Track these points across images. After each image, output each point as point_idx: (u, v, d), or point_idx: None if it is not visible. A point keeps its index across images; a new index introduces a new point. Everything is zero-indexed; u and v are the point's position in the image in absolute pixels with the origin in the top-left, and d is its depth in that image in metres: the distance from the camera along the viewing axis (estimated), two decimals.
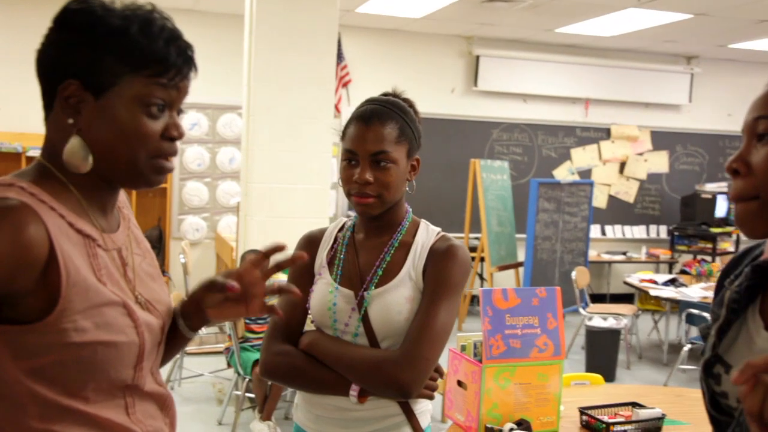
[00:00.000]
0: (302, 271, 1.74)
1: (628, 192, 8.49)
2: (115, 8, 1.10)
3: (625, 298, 7.52)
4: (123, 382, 1.11)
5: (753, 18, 6.37)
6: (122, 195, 1.25)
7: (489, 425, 2.56)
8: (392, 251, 1.66)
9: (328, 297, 1.65)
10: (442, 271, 1.61)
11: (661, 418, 2.82)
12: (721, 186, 8.33)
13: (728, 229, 8.02)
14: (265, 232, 4.73)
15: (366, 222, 1.70)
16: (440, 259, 1.62)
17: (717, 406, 1.08)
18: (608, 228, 8.40)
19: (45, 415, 1.03)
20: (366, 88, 4.53)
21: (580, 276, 6.22)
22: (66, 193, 1.09)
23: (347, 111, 5.93)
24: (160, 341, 1.22)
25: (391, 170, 1.60)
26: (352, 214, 1.80)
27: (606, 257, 8.08)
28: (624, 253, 8.18)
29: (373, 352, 1.58)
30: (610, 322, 5.65)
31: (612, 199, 8.43)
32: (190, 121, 7.00)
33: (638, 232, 8.52)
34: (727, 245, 8.11)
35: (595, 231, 8.00)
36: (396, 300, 1.60)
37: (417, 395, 1.55)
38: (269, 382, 3.99)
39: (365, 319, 1.61)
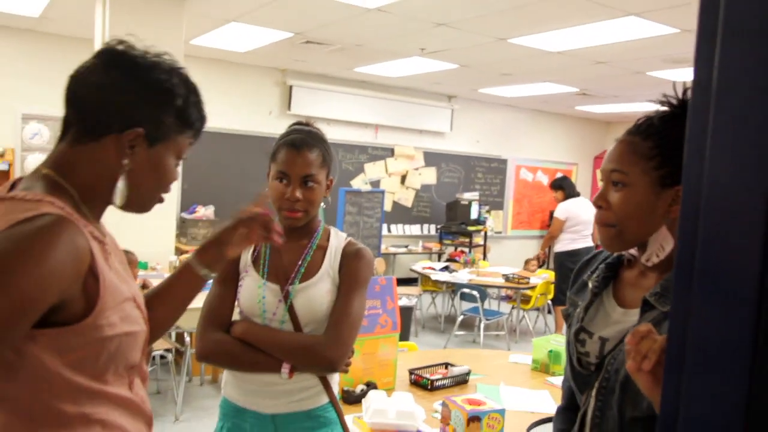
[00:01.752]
0: (228, 271, 1.74)
1: (408, 198, 8.95)
2: (170, 67, 1.10)
3: (409, 282, 7.94)
4: (132, 363, 1.11)
5: (498, 72, 7.03)
6: None
7: (345, 388, 2.68)
8: (311, 252, 1.71)
9: (257, 291, 1.67)
10: (354, 270, 1.69)
11: (468, 373, 3.09)
12: (474, 195, 9.07)
13: (479, 227, 8.74)
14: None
15: (286, 228, 1.73)
16: (352, 259, 1.71)
17: (581, 363, 1.27)
18: (393, 227, 8.80)
19: (76, 399, 1.01)
20: None
21: (379, 265, 6.49)
22: (76, 205, 1.05)
23: None
24: None
25: (315, 189, 1.66)
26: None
27: (392, 250, 8.44)
28: (406, 246, 8.61)
29: (303, 337, 1.63)
30: (404, 301, 5.97)
31: (395, 204, 8.83)
32: (31, 131, 6.35)
33: (415, 230, 9.00)
34: (479, 239, 8.84)
35: (384, 229, 8.36)
36: (318, 293, 1.66)
37: (339, 370, 1.62)
38: None
39: (291, 309, 1.65)
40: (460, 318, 6.27)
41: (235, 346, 1.62)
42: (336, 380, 1.74)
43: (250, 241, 1.39)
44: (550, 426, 2.77)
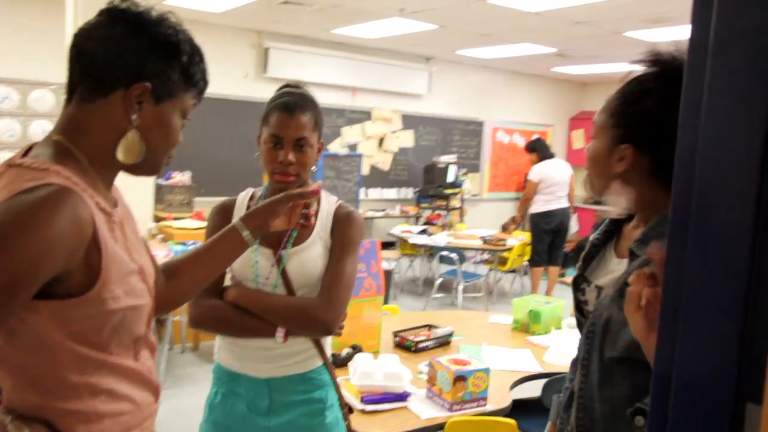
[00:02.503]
0: None
1: (385, 162, 8.93)
2: (175, 25, 1.10)
3: (387, 246, 7.98)
4: (137, 335, 1.11)
5: (477, 32, 6.97)
6: None
7: (332, 351, 2.70)
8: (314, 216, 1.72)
9: (250, 256, 1.67)
10: (346, 233, 1.70)
11: (450, 334, 3.15)
12: (451, 158, 9.08)
13: (456, 190, 8.77)
14: None
15: (278, 192, 1.72)
16: (344, 223, 1.71)
17: (581, 311, 1.33)
18: (370, 191, 8.78)
19: (82, 369, 1.01)
20: None
21: None
22: (84, 172, 1.03)
23: None
24: None
25: (308, 153, 1.65)
26: None
27: (370, 214, 8.43)
28: (383, 210, 8.63)
29: (297, 300, 1.64)
30: (383, 265, 6.00)
31: (373, 168, 8.81)
32: (0, 95, 6.18)
33: (393, 193, 9.00)
34: (456, 202, 8.88)
35: (361, 193, 8.36)
36: (311, 257, 1.66)
37: (334, 333, 1.64)
38: None
39: (284, 273, 1.66)
40: (438, 281, 6.35)
41: (228, 311, 1.62)
42: (329, 343, 1.76)
43: (291, 219, 1.47)
44: (533, 383, 2.87)
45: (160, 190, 6.53)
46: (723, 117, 0.83)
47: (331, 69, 7.98)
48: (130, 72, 1.03)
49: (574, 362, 1.52)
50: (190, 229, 5.05)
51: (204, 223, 5.40)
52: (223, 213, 1.76)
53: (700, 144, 0.86)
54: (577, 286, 1.34)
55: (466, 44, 7.81)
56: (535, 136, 7.71)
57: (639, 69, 1.20)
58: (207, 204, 7.23)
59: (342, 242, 1.69)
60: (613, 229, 1.33)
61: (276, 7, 6.24)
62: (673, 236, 0.89)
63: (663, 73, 1.13)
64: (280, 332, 1.60)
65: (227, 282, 1.73)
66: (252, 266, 1.67)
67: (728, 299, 0.84)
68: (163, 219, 6.10)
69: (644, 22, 5.83)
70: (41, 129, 6.46)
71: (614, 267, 1.27)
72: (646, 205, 1.18)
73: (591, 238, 1.36)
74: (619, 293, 1.16)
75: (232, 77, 7.46)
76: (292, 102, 1.64)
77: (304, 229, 1.70)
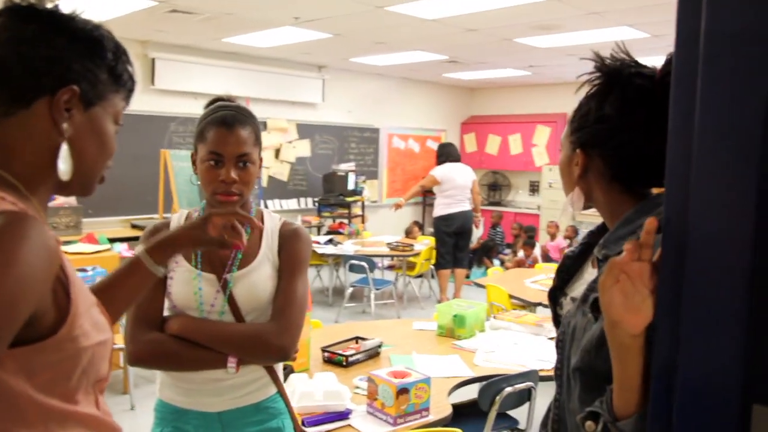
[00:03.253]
0: None
1: (283, 172, 8.77)
2: (90, 20, 0.97)
3: None
4: (101, 377, 0.97)
5: (372, 40, 7.01)
6: None
7: None
8: (247, 237, 1.61)
9: (193, 282, 1.56)
10: (294, 251, 1.62)
11: (379, 345, 3.11)
12: (350, 165, 9.07)
13: (357, 197, 8.77)
14: None
15: None
16: (291, 241, 1.64)
17: (557, 323, 1.32)
18: (269, 202, 8.60)
19: (47, 426, 0.86)
20: None
21: None
22: (25, 200, 0.89)
23: None
24: None
25: (251, 170, 1.56)
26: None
27: None
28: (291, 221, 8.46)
29: (250, 327, 1.54)
30: None
31: (271, 178, 8.63)
32: None
33: (292, 204, 8.86)
34: (357, 210, 8.88)
35: (261, 205, 8.16)
36: (260, 279, 1.57)
37: (290, 358, 1.55)
38: None
39: (230, 299, 1.55)
40: (349, 290, 6.30)
41: (173, 344, 1.49)
42: (280, 369, 1.67)
43: (218, 246, 1.31)
44: (468, 388, 2.88)
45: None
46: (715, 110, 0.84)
47: (223, 79, 7.74)
48: (53, 75, 0.89)
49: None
50: (87, 254, 4.69)
51: (99, 246, 5.05)
52: (156, 236, 1.63)
53: (695, 147, 0.87)
54: (555, 299, 1.34)
55: (359, 52, 7.82)
56: (440, 143, 7.88)
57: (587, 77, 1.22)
58: (96, 225, 6.79)
59: (291, 261, 1.61)
60: (591, 242, 1.34)
61: (162, 16, 5.96)
62: (669, 235, 0.90)
63: (602, 75, 1.14)
64: (231, 362, 1.50)
65: (166, 312, 1.60)
66: (195, 293, 1.55)
67: (732, 297, 0.85)
68: None
69: (533, 30, 6.08)
70: None
71: (588, 277, 1.28)
72: (612, 211, 1.20)
73: (566, 251, 1.36)
74: (583, 299, 1.16)
75: None
76: (231, 116, 1.55)
77: (250, 250, 1.60)
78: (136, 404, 4.16)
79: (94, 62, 0.94)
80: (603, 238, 1.19)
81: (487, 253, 8.57)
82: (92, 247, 4.89)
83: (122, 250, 5.97)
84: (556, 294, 1.34)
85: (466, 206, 7.04)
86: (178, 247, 1.26)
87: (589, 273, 1.28)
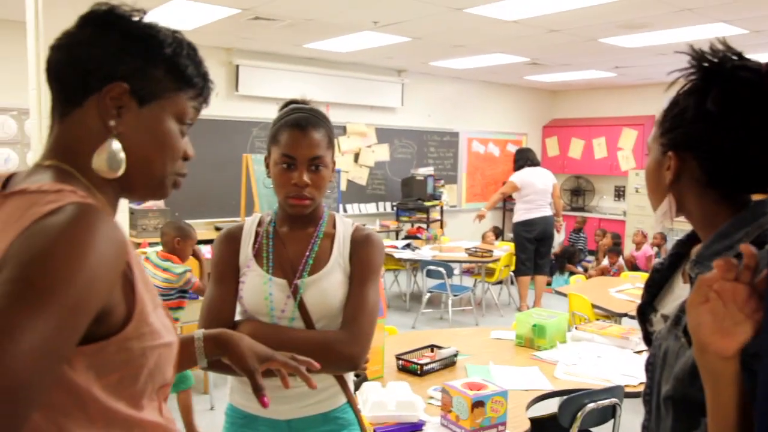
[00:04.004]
0: (226, 268, 1.59)
1: (362, 177, 8.82)
2: (150, 22, 0.95)
3: None
4: (166, 381, 0.95)
5: (450, 43, 6.93)
6: None
7: None
8: (319, 241, 1.58)
9: (263, 287, 1.54)
10: (366, 257, 1.58)
11: (455, 354, 3.03)
12: (428, 170, 9.01)
13: (435, 202, 8.71)
14: None
15: (290, 217, 1.60)
16: (363, 246, 1.59)
17: (649, 342, 1.22)
18: (348, 206, 8.66)
19: (110, 430, 0.84)
20: None
21: None
22: (94, 197, 0.87)
23: None
24: None
25: (323, 173, 1.53)
26: None
27: None
28: (363, 226, 8.49)
29: (320, 334, 1.50)
30: None
31: (350, 183, 8.69)
32: None
33: (371, 208, 8.89)
34: (436, 214, 8.82)
35: (340, 209, 8.23)
36: (331, 285, 1.54)
37: (360, 368, 1.51)
38: None
39: (301, 305, 1.52)
40: (427, 295, 6.23)
41: None
42: (351, 378, 1.63)
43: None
44: (547, 403, 2.76)
45: (132, 216, 6.31)
46: None
47: (304, 84, 7.84)
48: (100, 72, 0.89)
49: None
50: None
51: None
52: (230, 241, 1.63)
53: None
54: (644, 316, 1.23)
55: (439, 56, 7.76)
56: (517, 148, 7.70)
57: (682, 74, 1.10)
58: None
59: (362, 268, 1.57)
60: (681, 253, 1.22)
61: (246, 23, 6.11)
62: None
63: (700, 69, 1.03)
64: None
65: (237, 316, 1.59)
66: (266, 299, 1.53)
67: None
68: (139, 245, 5.87)
69: (620, 29, 5.83)
70: (4, 157, 6.22)
71: (680, 293, 1.17)
72: (706, 221, 1.07)
73: (654, 263, 1.25)
74: (675, 321, 1.05)
75: None
76: (304, 119, 1.52)
77: (321, 255, 1.57)
78: (215, 404, 4.24)
79: (147, 59, 0.91)
80: (696, 253, 1.08)
81: (569, 259, 8.30)
82: None
83: (206, 252, 6.14)
84: (645, 310, 1.23)
85: (547, 211, 6.83)
86: (230, 356, 1.24)
87: (681, 288, 1.17)
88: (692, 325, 0.83)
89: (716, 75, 1.01)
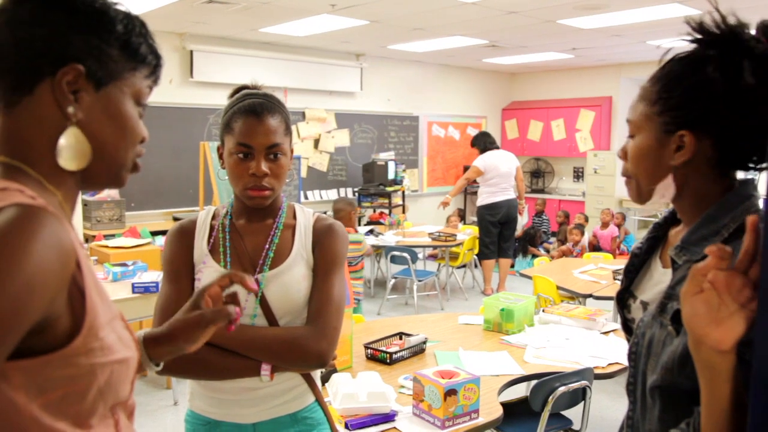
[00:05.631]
0: (179, 266, 1.50)
1: (322, 163, 8.70)
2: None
3: None
4: (121, 400, 0.86)
5: (410, 26, 6.85)
6: None
7: None
8: (279, 233, 1.50)
9: None
10: (330, 248, 1.50)
11: (424, 341, 2.99)
12: (389, 154, 8.95)
13: (397, 187, 8.64)
14: None
15: (248, 208, 1.51)
16: (325, 237, 1.52)
17: (627, 329, 1.18)
18: (309, 193, 8.54)
19: None
20: None
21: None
22: (47, 194, 0.81)
23: None
24: None
25: (282, 161, 1.45)
26: None
27: None
28: (324, 212, 8.37)
29: (285, 331, 1.42)
30: None
31: (310, 169, 8.57)
32: None
33: (332, 194, 8.77)
34: (398, 199, 8.76)
35: (301, 196, 8.11)
36: (294, 279, 1.46)
37: (328, 364, 1.44)
38: None
39: (262, 301, 1.44)
40: (391, 282, 6.19)
41: (202, 351, 1.36)
42: (318, 376, 1.56)
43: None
44: (518, 387, 2.74)
45: (86, 207, 6.09)
46: None
47: (261, 70, 7.67)
48: (51, 54, 0.80)
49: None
50: (127, 248, 4.68)
51: (140, 240, 5.04)
52: (183, 237, 1.53)
53: None
54: (623, 302, 1.20)
55: (397, 39, 7.67)
56: (476, 131, 7.69)
57: (679, 48, 1.04)
58: (139, 218, 6.83)
59: (326, 259, 1.49)
60: (658, 236, 1.18)
61: (199, 7, 5.92)
62: None
63: (714, 41, 0.97)
64: (265, 369, 1.39)
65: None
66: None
67: None
68: (93, 238, 5.68)
69: (577, 10, 5.84)
70: None
71: (660, 278, 1.13)
72: (697, 203, 1.03)
73: (633, 247, 1.22)
74: (661, 308, 1.02)
75: None
76: (259, 104, 1.43)
77: (282, 248, 1.49)
78: (179, 399, 4.13)
79: (101, 37, 0.83)
80: (681, 238, 1.04)
81: (530, 241, 8.36)
82: (133, 241, 4.88)
83: (163, 243, 5.99)
84: (623, 296, 1.19)
85: (511, 194, 6.85)
86: (179, 342, 1.09)
87: (660, 273, 1.14)
88: (686, 317, 0.79)
89: (736, 47, 0.94)
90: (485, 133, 7.27)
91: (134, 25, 0.87)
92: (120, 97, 0.86)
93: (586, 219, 8.36)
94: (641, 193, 1.09)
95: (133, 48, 0.87)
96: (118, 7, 0.87)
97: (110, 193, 6.28)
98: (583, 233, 7.63)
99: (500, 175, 6.76)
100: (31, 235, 0.69)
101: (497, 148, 7.00)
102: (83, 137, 0.82)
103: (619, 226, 7.73)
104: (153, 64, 0.90)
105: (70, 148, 0.81)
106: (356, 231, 4.44)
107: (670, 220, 1.17)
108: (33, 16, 0.80)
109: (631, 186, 1.11)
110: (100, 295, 0.81)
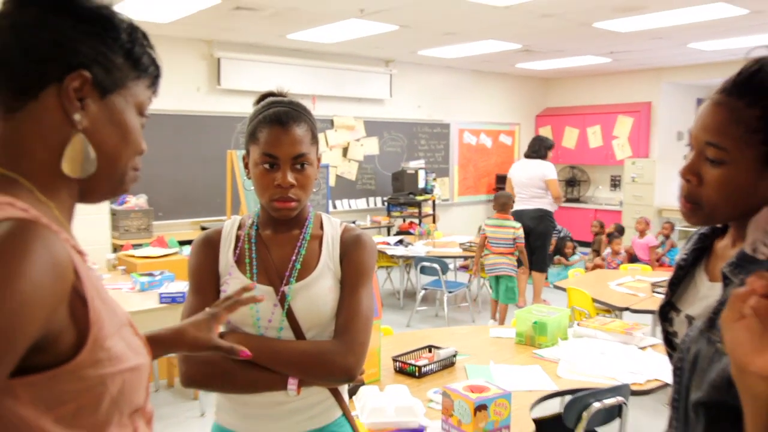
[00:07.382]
0: (204, 276, 1.52)
1: (351, 171, 8.75)
2: (102, 2, 0.87)
3: None
4: (137, 407, 0.88)
5: (440, 31, 6.86)
6: None
7: None
8: (305, 244, 1.51)
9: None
10: (357, 260, 1.51)
11: (454, 354, 2.98)
12: (419, 163, 8.96)
13: (427, 196, 8.66)
14: None
15: (274, 219, 1.52)
16: (353, 248, 1.52)
17: (669, 343, 1.17)
18: (338, 202, 8.60)
19: None
20: None
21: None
22: (40, 205, 0.81)
23: None
24: None
25: (308, 172, 1.46)
26: None
27: None
28: (353, 222, 8.44)
29: (312, 345, 1.43)
30: None
31: (339, 178, 8.62)
32: None
33: (361, 203, 8.83)
34: (428, 209, 8.76)
35: (329, 205, 8.16)
36: (320, 291, 1.47)
37: (356, 379, 1.45)
38: None
39: (289, 313, 1.46)
40: (421, 293, 6.19)
41: (228, 364, 1.39)
42: (345, 389, 1.57)
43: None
44: (550, 403, 2.72)
45: (114, 216, 6.22)
46: None
47: (288, 77, 7.76)
48: (59, 60, 0.81)
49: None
50: (155, 258, 4.77)
51: (167, 250, 5.13)
52: (208, 247, 1.54)
53: None
54: (665, 315, 1.18)
55: (428, 44, 7.70)
56: (509, 138, 7.62)
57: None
58: (167, 228, 6.95)
59: (354, 271, 1.49)
60: (703, 247, 1.17)
61: (227, 14, 6.02)
62: None
63: None
64: (292, 383, 1.40)
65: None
66: (251, 308, 1.45)
67: None
68: (121, 248, 5.79)
69: (615, 12, 5.80)
70: None
71: (706, 292, 1.11)
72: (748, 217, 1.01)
73: (677, 259, 1.20)
74: (709, 324, 1.00)
75: (184, 91, 7.19)
76: (284, 113, 1.44)
77: (309, 259, 1.51)
78: (206, 410, 4.18)
79: (106, 44, 0.84)
80: (736, 254, 1.01)
81: (558, 251, 8.24)
82: (160, 251, 4.97)
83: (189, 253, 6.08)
84: (665, 309, 1.18)
85: (526, 204, 6.68)
86: (178, 349, 1.14)
87: (707, 287, 1.12)
88: (727, 344, 0.78)
89: None
90: (536, 138, 7.06)
91: (137, 35, 0.89)
92: (124, 106, 0.87)
93: (622, 230, 8.24)
94: (712, 221, 1.05)
95: (136, 57, 0.88)
96: (120, 14, 0.88)
97: (138, 203, 6.40)
98: (620, 242, 7.53)
99: (517, 185, 6.70)
100: (23, 250, 0.69)
101: (528, 156, 6.91)
102: (88, 145, 0.83)
103: (667, 236, 7.61)
104: (154, 75, 0.92)
105: (78, 156, 0.82)
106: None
107: (718, 231, 1.16)
108: (38, 20, 0.81)
109: (696, 213, 1.06)
110: (105, 303, 0.82)
